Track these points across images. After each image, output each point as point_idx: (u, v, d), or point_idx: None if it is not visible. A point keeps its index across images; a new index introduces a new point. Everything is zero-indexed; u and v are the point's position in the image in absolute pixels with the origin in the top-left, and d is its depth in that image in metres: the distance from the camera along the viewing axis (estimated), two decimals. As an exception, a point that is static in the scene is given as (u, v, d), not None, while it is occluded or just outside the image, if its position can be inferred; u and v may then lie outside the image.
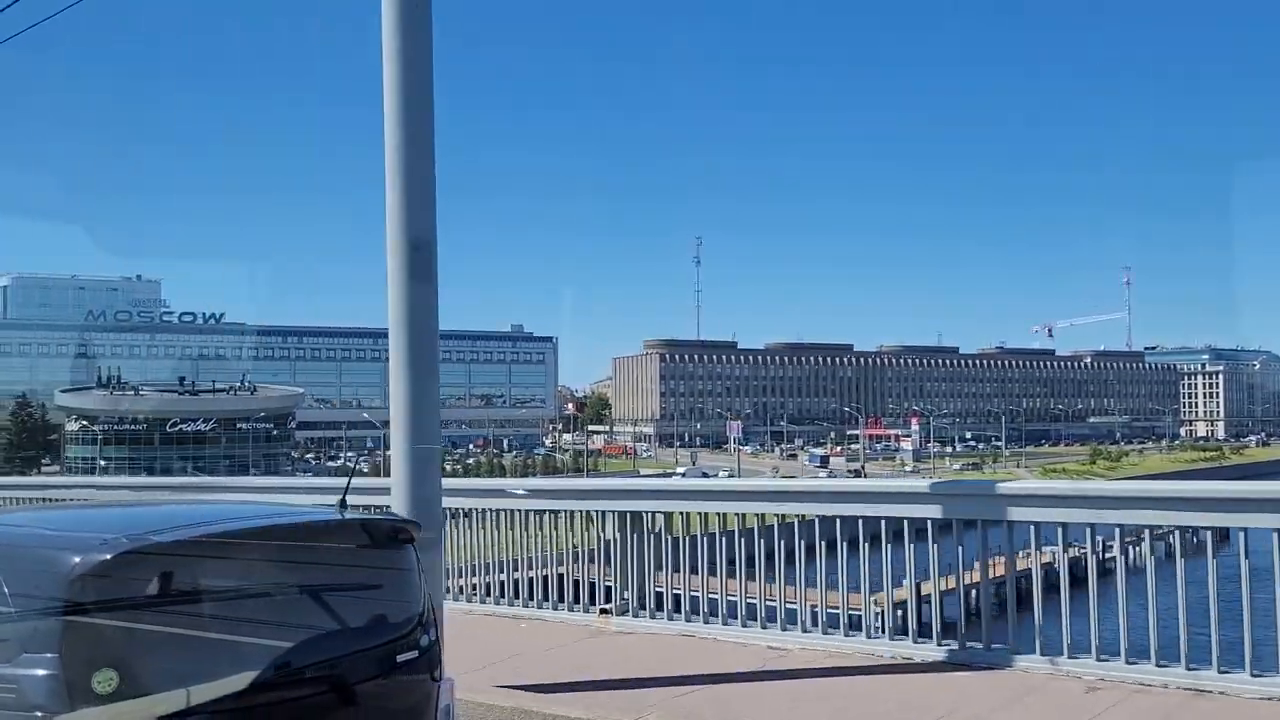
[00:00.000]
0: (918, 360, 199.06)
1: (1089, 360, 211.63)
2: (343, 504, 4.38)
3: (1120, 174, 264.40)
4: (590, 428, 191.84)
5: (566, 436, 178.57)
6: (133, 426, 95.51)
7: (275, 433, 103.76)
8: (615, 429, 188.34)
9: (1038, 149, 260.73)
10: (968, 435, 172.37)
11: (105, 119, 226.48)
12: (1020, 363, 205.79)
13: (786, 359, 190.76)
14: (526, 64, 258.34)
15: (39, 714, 3.11)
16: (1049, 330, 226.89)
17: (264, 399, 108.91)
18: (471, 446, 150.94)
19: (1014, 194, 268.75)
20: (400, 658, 3.99)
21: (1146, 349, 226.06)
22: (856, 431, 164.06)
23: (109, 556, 3.29)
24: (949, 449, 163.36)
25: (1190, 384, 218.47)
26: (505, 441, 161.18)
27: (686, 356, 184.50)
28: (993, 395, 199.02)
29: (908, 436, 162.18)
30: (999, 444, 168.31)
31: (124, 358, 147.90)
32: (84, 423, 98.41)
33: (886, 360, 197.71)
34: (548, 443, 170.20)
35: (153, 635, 3.35)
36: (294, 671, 3.65)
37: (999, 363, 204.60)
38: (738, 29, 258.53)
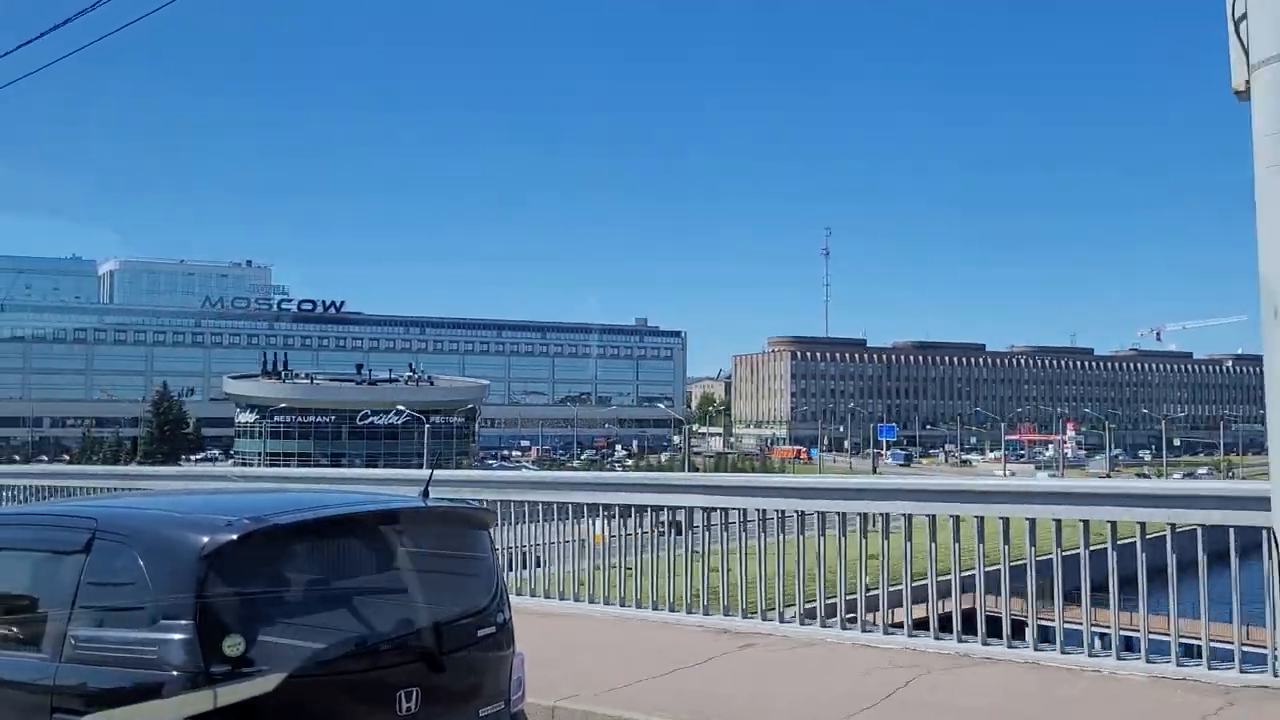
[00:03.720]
0: (1052, 361, 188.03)
1: (1229, 364, 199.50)
2: (425, 492, 4.63)
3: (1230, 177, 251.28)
4: (700, 429, 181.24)
5: (675, 438, 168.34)
6: (318, 419, 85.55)
7: (463, 427, 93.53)
8: (733, 430, 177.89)
9: (1149, 152, 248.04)
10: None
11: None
12: (1158, 366, 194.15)
13: (918, 358, 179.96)
14: (652, 64, 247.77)
15: (175, 673, 3.47)
16: (1157, 334, 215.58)
17: (447, 390, 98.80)
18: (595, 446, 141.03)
19: (1125, 196, 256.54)
20: (481, 632, 4.33)
21: None
22: (1015, 437, 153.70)
23: (235, 536, 3.65)
24: (1107, 455, 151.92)
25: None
26: (634, 442, 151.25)
27: (817, 354, 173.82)
28: (1131, 400, 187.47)
29: (1065, 442, 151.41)
30: (1147, 451, 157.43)
31: (242, 346, 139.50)
32: (256, 414, 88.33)
33: (1022, 361, 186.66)
34: (675, 441, 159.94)
35: (273, 605, 3.74)
36: (391, 640, 4.02)
37: (1136, 365, 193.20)
38: (860, 30, 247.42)
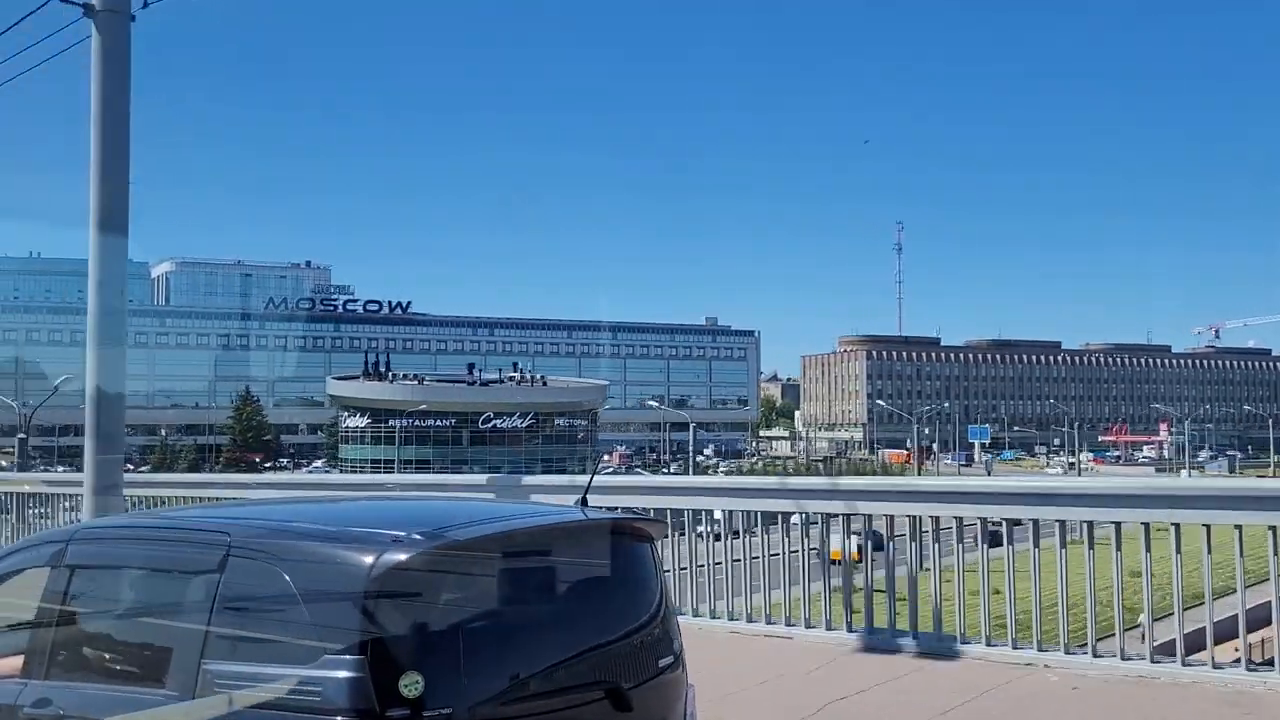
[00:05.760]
0: (1131, 360, 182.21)
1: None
2: (583, 502, 4.10)
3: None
4: (764, 433, 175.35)
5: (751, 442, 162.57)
6: (436, 422, 79.21)
7: (585, 429, 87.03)
8: (801, 434, 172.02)
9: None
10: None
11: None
12: (1237, 363, 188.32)
13: (994, 357, 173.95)
14: (725, 65, 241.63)
15: (339, 718, 3.00)
16: (1216, 331, 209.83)
17: (563, 390, 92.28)
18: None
19: (1163, 197, 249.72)
20: (661, 662, 3.82)
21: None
22: (1111, 438, 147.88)
23: (408, 554, 3.12)
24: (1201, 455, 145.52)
25: None
26: (709, 446, 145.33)
27: (891, 354, 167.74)
28: (1214, 399, 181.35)
29: (1165, 443, 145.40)
30: (1237, 451, 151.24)
31: (308, 350, 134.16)
32: (367, 417, 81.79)
33: (1100, 359, 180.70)
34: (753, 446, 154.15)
35: (449, 635, 3.18)
36: (579, 674, 3.49)
37: (1214, 363, 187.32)
38: (922, 32, 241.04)
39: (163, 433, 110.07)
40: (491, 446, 78.00)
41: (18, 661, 3.78)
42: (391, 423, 78.20)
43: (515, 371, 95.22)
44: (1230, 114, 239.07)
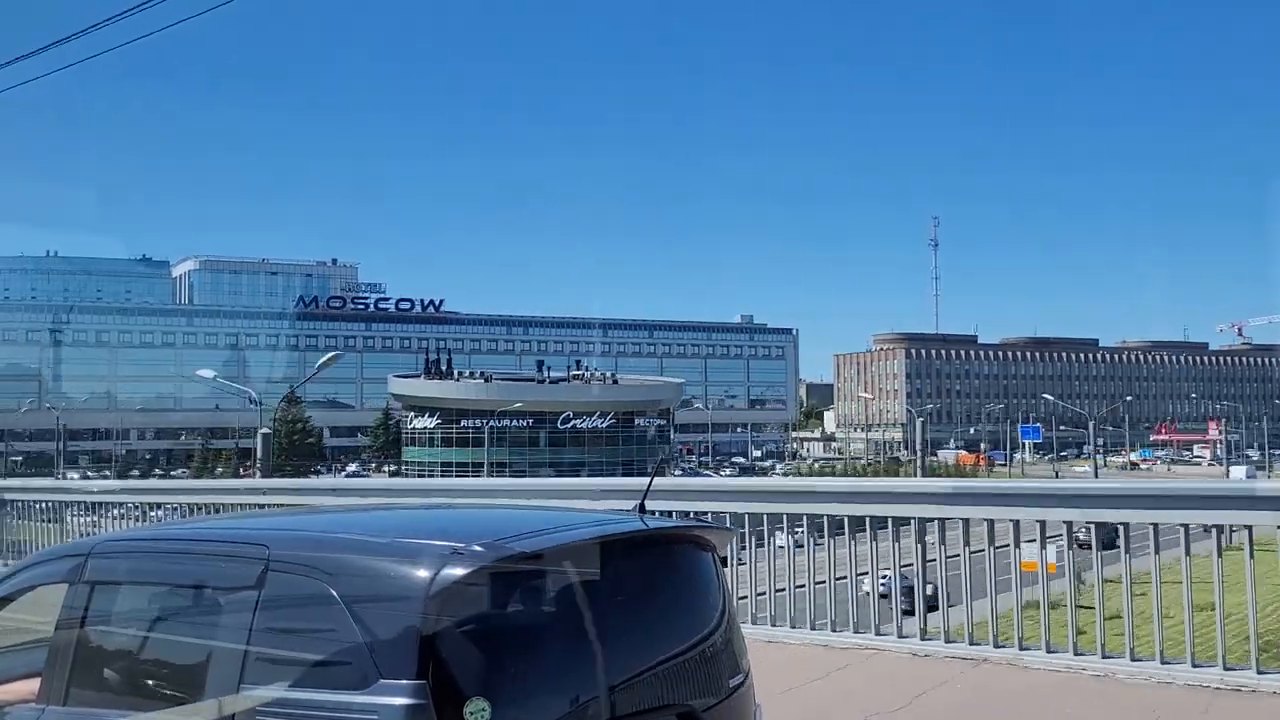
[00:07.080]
0: (1167, 357, 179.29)
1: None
2: (642, 508, 3.82)
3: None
4: (796, 434, 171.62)
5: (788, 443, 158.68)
6: (514, 423, 74.79)
7: (661, 430, 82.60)
8: (830, 434, 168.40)
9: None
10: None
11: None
12: (1275, 361, 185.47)
13: (1032, 355, 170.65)
14: (754, 64, 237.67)
15: None
16: (1239, 329, 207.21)
17: (638, 389, 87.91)
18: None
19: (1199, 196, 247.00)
20: (732, 681, 3.61)
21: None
22: (1163, 436, 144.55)
23: (468, 569, 2.88)
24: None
25: None
26: (751, 449, 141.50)
27: (929, 352, 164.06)
28: (1253, 396, 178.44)
29: (1218, 441, 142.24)
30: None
31: (337, 349, 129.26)
32: (436, 418, 77.23)
33: (1138, 357, 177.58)
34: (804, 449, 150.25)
35: (514, 656, 2.97)
36: (652, 696, 3.27)
37: (1255, 360, 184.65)
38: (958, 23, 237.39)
39: (182, 436, 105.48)
40: (570, 448, 73.79)
41: (33, 685, 3.49)
42: (464, 423, 73.67)
43: (581, 370, 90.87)
44: (1236, 112, 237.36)
